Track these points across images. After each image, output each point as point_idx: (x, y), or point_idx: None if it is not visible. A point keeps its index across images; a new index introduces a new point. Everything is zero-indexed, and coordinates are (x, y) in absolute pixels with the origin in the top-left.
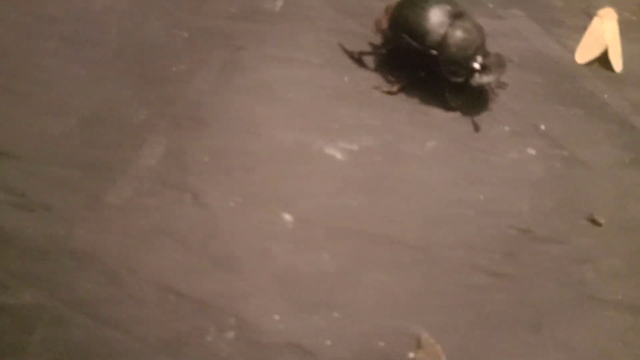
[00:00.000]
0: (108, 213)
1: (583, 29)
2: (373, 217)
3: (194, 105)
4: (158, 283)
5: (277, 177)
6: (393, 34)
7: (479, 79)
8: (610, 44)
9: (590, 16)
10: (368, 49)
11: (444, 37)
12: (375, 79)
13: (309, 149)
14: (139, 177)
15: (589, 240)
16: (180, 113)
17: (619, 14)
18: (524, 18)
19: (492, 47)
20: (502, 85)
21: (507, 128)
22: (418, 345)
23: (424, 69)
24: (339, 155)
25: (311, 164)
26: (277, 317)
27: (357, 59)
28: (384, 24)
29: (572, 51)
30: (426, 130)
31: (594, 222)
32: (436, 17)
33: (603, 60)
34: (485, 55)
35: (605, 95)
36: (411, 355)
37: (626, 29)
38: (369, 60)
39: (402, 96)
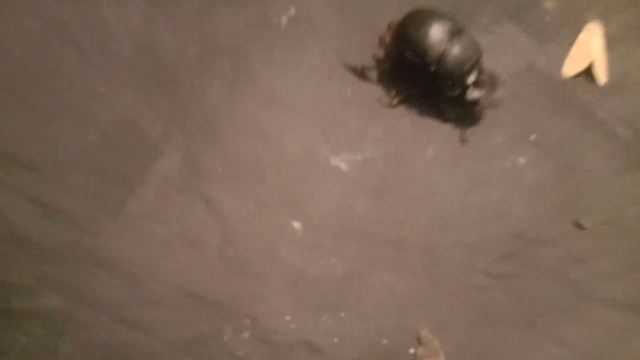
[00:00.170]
0: (128, 221)
1: (571, 42)
2: (378, 222)
3: (207, 117)
4: (177, 286)
5: (286, 185)
6: (395, 49)
7: (472, 94)
8: (595, 57)
9: (577, 30)
10: (371, 63)
11: (443, 53)
12: (377, 91)
13: (317, 158)
14: (157, 187)
15: (579, 243)
16: (194, 125)
17: (605, 29)
18: (516, 33)
19: (486, 61)
20: (495, 101)
21: (499, 138)
22: (418, 341)
23: (423, 82)
24: (343, 166)
25: (318, 173)
26: (288, 317)
27: (360, 74)
28: (387, 39)
29: (561, 64)
30: (426, 140)
31: (579, 226)
32: (436, 35)
33: (590, 72)
34: (481, 72)
35: (592, 107)
36: (412, 351)
37: (611, 43)
38: (372, 74)
39: (402, 109)
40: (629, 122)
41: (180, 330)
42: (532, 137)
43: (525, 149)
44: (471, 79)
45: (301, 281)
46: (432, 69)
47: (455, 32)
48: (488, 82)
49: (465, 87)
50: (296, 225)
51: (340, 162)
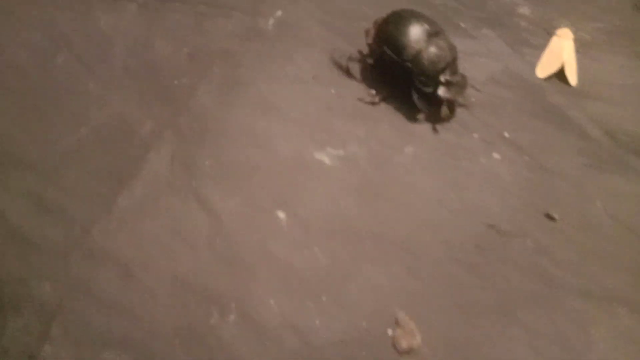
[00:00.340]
0: (120, 215)
1: (544, 47)
2: (359, 217)
3: (197, 116)
4: (166, 276)
5: (274, 182)
6: (377, 45)
7: (443, 92)
8: (566, 60)
9: (550, 35)
10: (355, 62)
11: (419, 51)
12: (360, 91)
13: (302, 156)
14: (148, 182)
15: (547, 235)
16: (183, 124)
17: (575, 34)
18: (492, 37)
19: (464, 63)
20: (464, 101)
21: (475, 135)
22: (396, 323)
23: (400, 80)
24: (327, 161)
25: (304, 170)
26: (272, 302)
27: (345, 70)
28: (371, 35)
29: (535, 67)
30: (405, 139)
31: (550, 217)
32: (414, 34)
33: (561, 75)
34: (454, 72)
35: (564, 107)
36: (390, 332)
37: (582, 47)
38: (355, 73)
39: (384, 108)
40: (597, 122)
41: (168, 316)
42: (506, 134)
43: (500, 145)
44: (444, 77)
45: (286, 271)
46: (409, 65)
47: (433, 34)
48: (460, 82)
49: (437, 85)
50: (282, 218)
51: (325, 157)
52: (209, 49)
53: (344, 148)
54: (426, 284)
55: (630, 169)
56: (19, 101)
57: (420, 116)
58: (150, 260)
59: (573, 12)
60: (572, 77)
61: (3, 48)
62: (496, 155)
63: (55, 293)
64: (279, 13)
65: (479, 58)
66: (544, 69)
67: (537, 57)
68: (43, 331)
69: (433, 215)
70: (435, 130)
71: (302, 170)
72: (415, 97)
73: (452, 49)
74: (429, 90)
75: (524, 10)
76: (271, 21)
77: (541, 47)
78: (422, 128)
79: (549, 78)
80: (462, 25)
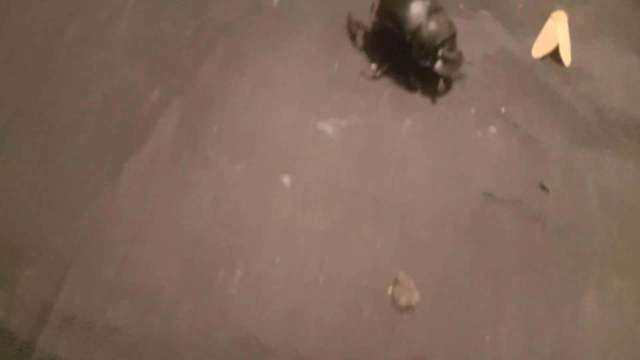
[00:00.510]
0: (130, 176)
1: (539, 29)
2: (359, 183)
3: (202, 87)
4: (175, 235)
5: (278, 147)
6: (380, 19)
7: (440, 67)
8: (561, 41)
9: (545, 18)
10: (359, 37)
11: (419, 26)
12: (361, 66)
13: (305, 125)
14: (157, 146)
15: (540, 204)
16: (190, 93)
17: (570, 17)
18: (489, 18)
19: (461, 42)
20: (460, 76)
21: (473, 110)
22: (395, 281)
23: (400, 54)
24: (330, 131)
25: (307, 138)
26: (277, 259)
27: (353, 35)
28: (375, 10)
29: (530, 48)
30: (404, 112)
31: (543, 188)
32: (415, 9)
33: (555, 55)
34: (451, 49)
35: (557, 86)
36: (390, 289)
37: (576, 30)
38: (358, 48)
39: (384, 82)
40: (589, 100)
41: (177, 271)
42: (503, 110)
43: (496, 120)
44: (441, 52)
45: (290, 231)
46: (408, 38)
47: (433, 10)
48: (456, 59)
49: (435, 60)
50: (287, 183)
51: (328, 127)
52: (215, 23)
53: (346, 119)
54: (423, 246)
55: (619, 145)
56: (30, 69)
57: (419, 91)
58: (158, 219)
59: None
60: (566, 58)
61: (13, 18)
62: (492, 129)
63: (69, 246)
64: None
65: (476, 38)
66: (539, 49)
67: (533, 38)
68: (57, 282)
69: (430, 183)
70: (433, 103)
71: (305, 139)
72: (411, 75)
73: (451, 26)
74: (426, 64)
75: None
76: None
77: (536, 30)
78: (422, 102)
79: (543, 58)
80: (461, 6)
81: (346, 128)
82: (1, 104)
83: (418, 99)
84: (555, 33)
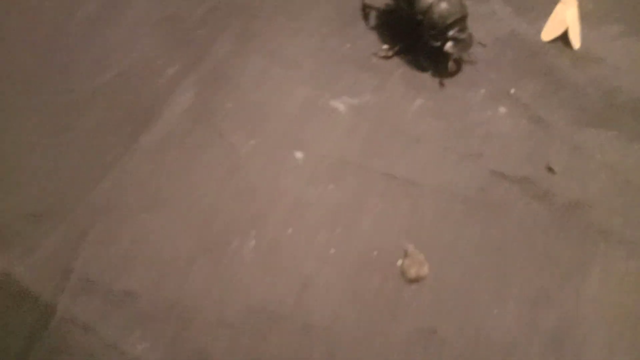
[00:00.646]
0: (145, 148)
1: (549, 13)
2: (370, 158)
3: (217, 63)
4: (189, 205)
5: (290, 123)
6: None
7: (450, 47)
8: (570, 25)
9: (555, 2)
10: (372, 16)
11: (430, 5)
12: (374, 46)
13: (318, 102)
14: (172, 119)
15: (546, 182)
16: (204, 69)
17: (580, 1)
18: (500, 3)
19: (472, 25)
20: (471, 58)
21: (483, 91)
22: (405, 254)
23: (411, 35)
24: (342, 108)
25: (320, 115)
26: (290, 230)
27: (365, 15)
28: None
29: (540, 32)
30: (416, 90)
31: (550, 169)
32: None
33: (565, 39)
34: (462, 30)
35: (566, 68)
36: (399, 262)
37: (586, 15)
38: (370, 27)
39: (395, 61)
40: (597, 82)
41: (191, 240)
42: (512, 91)
43: (505, 101)
44: (452, 32)
45: (302, 204)
46: (419, 18)
47: None
48: (467, 40)
49: (445, 40)
50: (298, 156)
51: (340, 105)
52: (228, 2)
53: (357, 97)
54: (431, 221)
55: (625, 127)
56: (50, 44)
57: (430, 71)
58: (173, 190)
59: None
60: (576, 41)
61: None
62: (502, 109)
63: (88, 213)
64: None
65: (487, 21)
66: (548, 32)
67: (542, 22)
68: (76, 247)
69: (439, 159)
70: (443, 85)
71: (317, 116)
72: (422, 55)
73: (463, 7)
74: (437, 44)
75: None
76: None
77: (546, 14)
78: (432, 82)
79: (553, 42)
80: None
81: (357, 106)
82: (22, 76)
83: (429, 79)
84: (565, 17)
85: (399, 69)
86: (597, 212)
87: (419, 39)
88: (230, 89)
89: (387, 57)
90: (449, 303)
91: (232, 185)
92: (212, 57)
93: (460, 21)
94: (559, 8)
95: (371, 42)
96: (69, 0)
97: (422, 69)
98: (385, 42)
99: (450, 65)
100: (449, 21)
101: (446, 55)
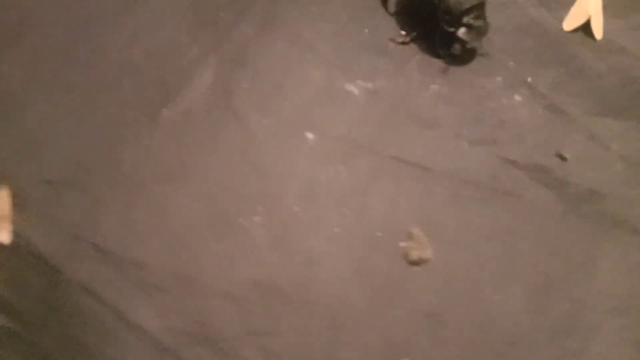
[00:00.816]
0: (165, 123)
1: (572, 3)
2: (381, 142)
3: (238, 46)
4: (202, 178)
5: (305, 105)
6: None
7: (463, 34)
8: (593, 15)
9: None
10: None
11: None
12: (391, 32)
13: (333, 86)
14: (192, 98)
15: (560, 171)
16: (225, 51)
17: None
18: None
19: (493, 13)
20: (483, 49)
21: (499, 79)
22: (409, 237)
23: (430, 24)
24: (356, 92)
25: (334, 98)
26: (297, 208)
27: (384, 2)
28: None
29: (562, 21)
30: (430, 78)
31: (561, 157)
32: None
33: (587, 29)
34: (477, 17)
35: (586, 58)
36: (402, 244)
37: (609, 5)
38: (389, 13)
39: (412, 48)
40: (618, 72)
41: (204, 214)
42: (529, 79)
43: (522, 89)
44: (467, 19)
45: (311, 184)
46: (436, 2)
47: None
48: (482, 28)
49: (459, 26)
50: (311, 138)
51: (354, 88)
52: None
53: (372, 82)
54: (440, 205)
55: None
56: (81, 20)
57: (445, 57)
58: (188, 165)
59: None
60: (598, 31)
61: None
62: (517, 97)
63: (105, 184)
64: None
65: (508, 9)
66: (570, 22)
67: (565, 12)
68: (91, 215)
69: (452, 145)
70: (446, 71)
71: (331, 99)
72: (438, 42)
73: None
74: (451, 30)
75: None
76: None
77: (569, 4)
78: (448, 69)
79: (574, 31)
80: None
81: (372, 90)
82: (53, 49)
83: (444, 66)
84: (588, 6)
85: (415, 55)
86: (611, 203)
87: (436, 25)
88: (248, 70)
89: (404, 44)
90: (454, 287)
91: (244, 163)
92: (234, 39)
93: (477, 8)
94: None
95: (390, 29)
96: None
97: (438, 55)
98: (403, 29)
99: (456, 46)
100: (465, 7)
101: (460, 42)
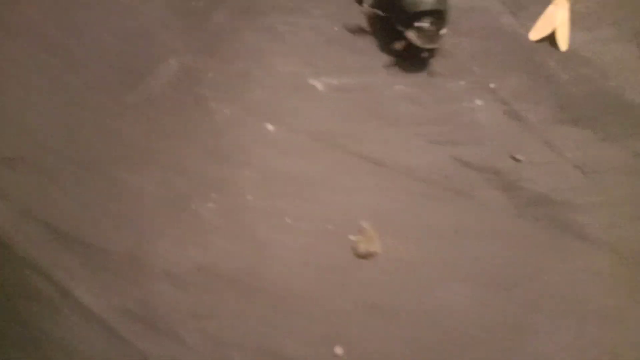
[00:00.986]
0: (127, 108)
1: (540, 14)
2: (342, 137)
3: (209, 35)
4: (160, 164)
5: (268, 96)
6: None
7: (411, 35)
8: (559, 26)
9: (547, 4)
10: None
11: None
12: (363, 30)
13: (297, 79)
14: (156, 84)
15: (515, 175)
16: (197, 40)
17: (573, 4)
18: (492, 1)
19: (462, 19)
20: (432, 52)
21: (462, 82)
22: (359, 231)
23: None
24: (320, 87)
25: (297, 92)
26: (250, 197)
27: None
28: None
29: (529, 30)
30: (396, 76)
31: (515, 159)
32: None
33: (554, 40)
34: (434, 23)
35: (551, 68)
36: (352, 237)
37: (577, 18)
38: (363, 12)
39: (381, 48)
40: (582, 83)
41: (154, 196)
42: (492, 85)
43: (484, 94)
44: (419, 23)
45: (268, 174)
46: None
47: None
48: (433, 34)
49: (410, 26)
50: (270, 129)
51: (318, 84)
52: None
53: (338, 78)
54: (393, 202)
55: (603, 128)
56: (54, 4)
57: (400, 56)
58: (147, 148)
59: None
60: (563, 42)
61: None
62: (479, 102)
63: (62, 163)
64: None
65: (477, 15)
66: (537, 32)
67: (533, 22)
68: (42, 194)
69: (409, 143)
70: (430, 71)
71: (295, 92)
72: (394, 40)
73: (441, 1)
74: (400, 29)
75: None
76: None
77: (539, 14)
78: (414, 70)
79: (542, 41)
80: None
81: (336, 87)
82: (25, 32)
83: (411, 67)
84: (555, 18)
85: (383, 55)
86: (560, 208)
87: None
88: (216, 59)
89: (405, 50)
90: (399, 281)
91: (202, 150)
92: (204, 29)
93: (433, 13)
94: (550, 9)
95: (362, 27)
96: None
97: (407, 57)
98: (373, 28)
99: (397, 43)
100: (418, 9)
101: (405, 41)
